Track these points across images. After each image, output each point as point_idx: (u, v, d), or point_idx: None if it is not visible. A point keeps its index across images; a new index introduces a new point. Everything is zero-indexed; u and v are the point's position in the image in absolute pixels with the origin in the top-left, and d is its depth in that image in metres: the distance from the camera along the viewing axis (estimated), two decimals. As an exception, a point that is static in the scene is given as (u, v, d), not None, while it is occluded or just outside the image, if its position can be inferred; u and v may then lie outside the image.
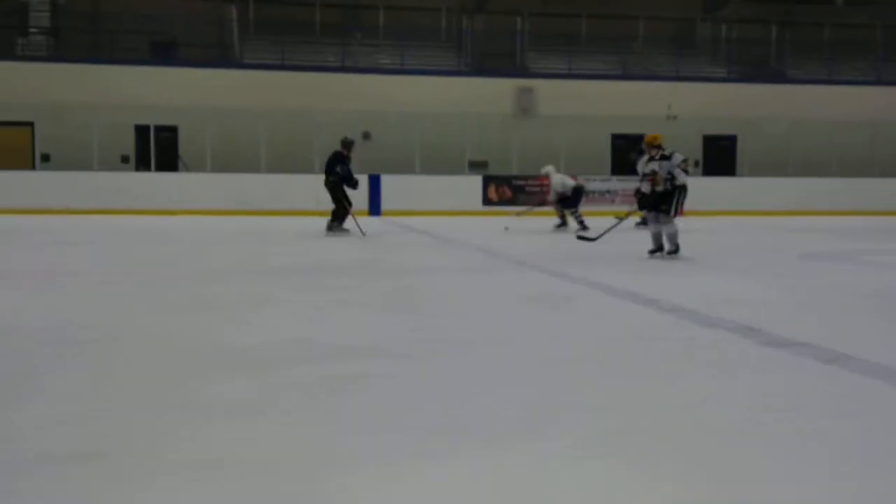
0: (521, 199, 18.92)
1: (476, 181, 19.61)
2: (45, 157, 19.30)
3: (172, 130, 19.84)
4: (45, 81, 19.24)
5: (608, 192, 19.61)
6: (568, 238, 12.09)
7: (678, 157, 9.66)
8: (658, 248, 9.62)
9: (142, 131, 19.52)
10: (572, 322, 5.55)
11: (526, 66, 22.78)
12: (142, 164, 19.62)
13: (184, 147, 19.81)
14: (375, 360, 4.22)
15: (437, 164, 19.86)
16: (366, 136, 19.92)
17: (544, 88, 21.32)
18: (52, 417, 3.17)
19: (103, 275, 8.04)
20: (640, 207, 11.00)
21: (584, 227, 13.08)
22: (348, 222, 12.88)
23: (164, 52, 21.56)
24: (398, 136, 20.07)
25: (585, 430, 3.04)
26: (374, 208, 18.66)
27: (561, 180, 14.11)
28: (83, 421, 3.14)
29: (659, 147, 9.67)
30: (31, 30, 22.17)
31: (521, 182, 19.53)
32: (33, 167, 19.26)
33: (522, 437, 2.95)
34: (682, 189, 10.48)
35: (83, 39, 21.87)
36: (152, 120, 19.34)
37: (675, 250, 9.52)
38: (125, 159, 19.63)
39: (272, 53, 21.44)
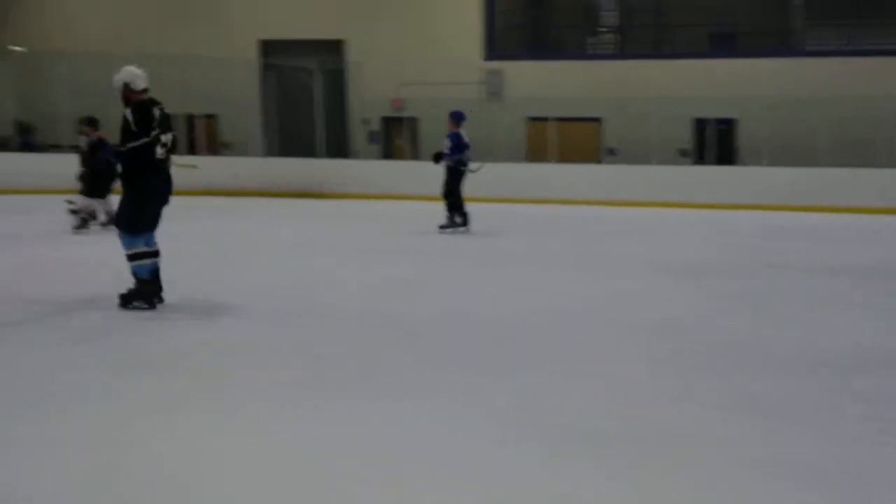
0: None
1: None
2: (611, 151, 20.45)
3: (730, 123, 19.90)
4: (612, 78, 20.44)
5: None
6: None
7: None
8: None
9: (700, 124, 19.86)
10: None
11: None
12: (699, 157, 19.98)
13: (742, 139, 19.76)
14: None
15: None
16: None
17: None
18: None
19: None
20: None
21: None
22: None
23: (723, 44, 21.63)
24: None
25: None
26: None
27: None
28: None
29: None
30: (601, 29, 23.80)
31: None
32: (598, 161, 20.63)
33: None
34: None
35: (647, 36, 22.87)
36: (711, 113, 19.54)
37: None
38: (684, 153, 20.06)
39: (838, 38, 20.34)
